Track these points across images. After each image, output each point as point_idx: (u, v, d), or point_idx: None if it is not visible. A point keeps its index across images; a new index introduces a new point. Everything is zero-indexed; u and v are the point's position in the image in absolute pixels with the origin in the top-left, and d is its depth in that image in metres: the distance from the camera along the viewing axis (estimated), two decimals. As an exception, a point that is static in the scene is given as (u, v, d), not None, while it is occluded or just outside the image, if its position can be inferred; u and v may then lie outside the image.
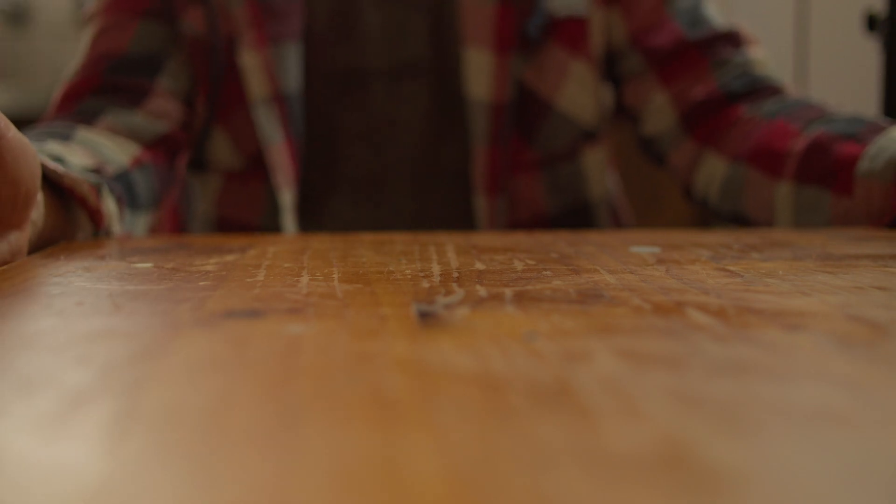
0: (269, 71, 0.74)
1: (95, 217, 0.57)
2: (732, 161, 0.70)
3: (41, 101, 1.78)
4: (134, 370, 0.23)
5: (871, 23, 1.06)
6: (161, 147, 0.73)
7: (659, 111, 0.76)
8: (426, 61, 0.77)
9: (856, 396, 0.20)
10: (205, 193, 0.81)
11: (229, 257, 0.44)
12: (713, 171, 0.72)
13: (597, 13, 0.76)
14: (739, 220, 0.71)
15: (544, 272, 0.38)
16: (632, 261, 0.41)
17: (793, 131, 0.66)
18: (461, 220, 0.78)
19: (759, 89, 0.73)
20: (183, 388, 0.21)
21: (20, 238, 0.46)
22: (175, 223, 0.86)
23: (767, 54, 0.76)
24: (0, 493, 0.15)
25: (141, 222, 0.68)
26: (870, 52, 1.48)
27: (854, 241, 0.49)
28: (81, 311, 0.31)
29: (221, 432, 0.18)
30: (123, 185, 0.65)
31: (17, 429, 0.19)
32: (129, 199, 0.65)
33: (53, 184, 0.55)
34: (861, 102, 1.56)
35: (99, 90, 0.73)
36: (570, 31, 0.76)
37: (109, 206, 0.59)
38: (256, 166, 0.77)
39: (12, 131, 0.44)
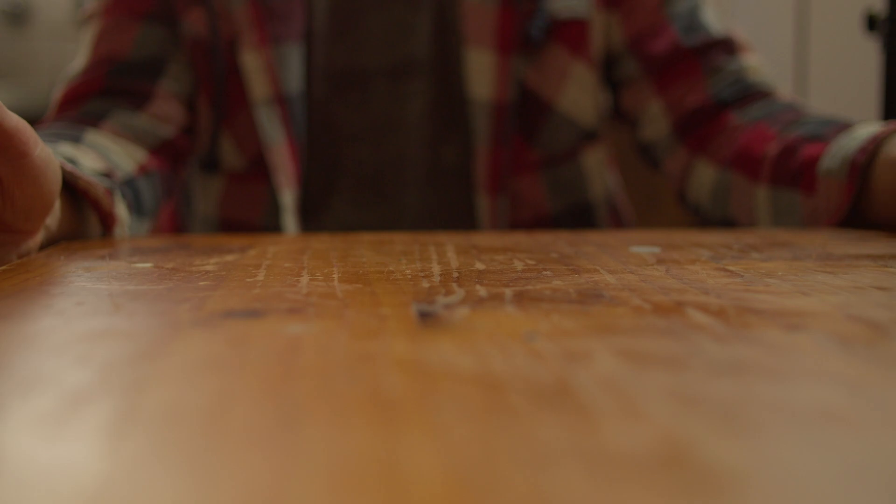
0: (271, 72, 0.74)
1: (107, 220, 0.58)
2: (720, 167, 0.72)
3: (41, 101, 1.78)
4: (134, 370, 0.23)
5: (871, 23, 1.06)
6: (165, 152, 0.73)
7: (654, 118, 0.76)
8: (428, 61, 0.77)
9: (856, 396, 0.20)
10: (207, 195, 0.81)
11: (229, 257, 0.44)
12: (703, 178, 0.73)
13: (598, 15, 0.77)
14: (729, 225, 0.72)
15: (544, 272, 0.38)
16: (632, 261, 0.41)
17: (770, 135, 0.68)
18: (463, 219, 0.78)
19: (750, 95, 0.74)
20: (183, 388, 0.21)
21: (31, 244, 0.48)
22: (174, 224, 0.86)
23: (762, 60, 0.76)
24: (0, 492, 0.15)
25: (143, 229, 0.68)
26: (870, 52, 1.48)
27: (854, 241, 0.49)
28: (81, 311, 0.31)
29: (221, 432, 0.18)
30: (131, 192, 0.65)
31: (17, 429, 0.19)
32: (135, 206, 0.65)
33: (67, 184, 0.56)
34: (861, 102, 1.56)
35: (102, 93, 0.73)
36: (571, 33, 0.76)
37: (121, 210, 0.60)
38: (258, 167, 0.77)
39: (39, 148, 0.44)
